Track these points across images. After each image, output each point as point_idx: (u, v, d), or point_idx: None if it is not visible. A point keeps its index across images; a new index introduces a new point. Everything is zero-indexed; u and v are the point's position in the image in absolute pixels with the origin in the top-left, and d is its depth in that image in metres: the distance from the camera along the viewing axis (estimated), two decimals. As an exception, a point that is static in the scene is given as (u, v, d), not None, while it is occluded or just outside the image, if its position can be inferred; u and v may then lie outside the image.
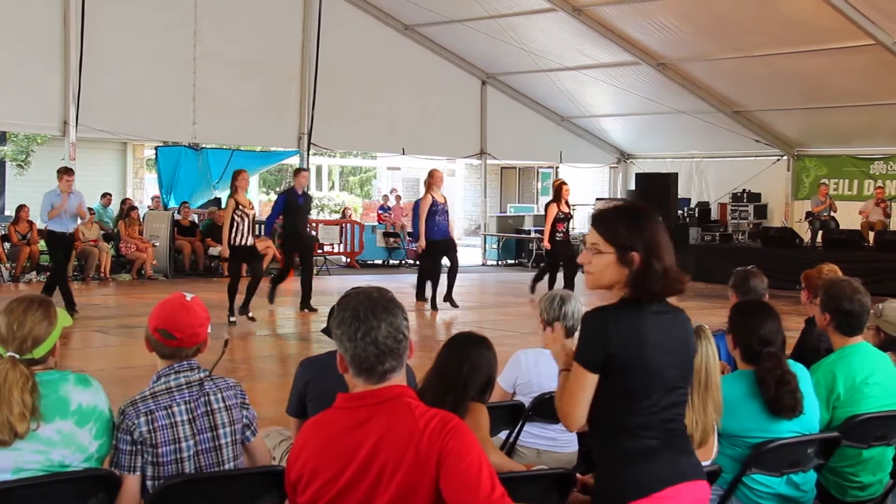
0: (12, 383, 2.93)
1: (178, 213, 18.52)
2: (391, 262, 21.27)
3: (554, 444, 4.62)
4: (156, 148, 20.95)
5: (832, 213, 18.97)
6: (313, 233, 13.68)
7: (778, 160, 21.07)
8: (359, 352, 2.46)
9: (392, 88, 19.77)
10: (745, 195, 20.77)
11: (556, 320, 4.51)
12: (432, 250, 13.19)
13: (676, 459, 2.87)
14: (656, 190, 19.56)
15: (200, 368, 3.30)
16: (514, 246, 22.82)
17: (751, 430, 3.76)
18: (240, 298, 11.53)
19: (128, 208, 17.88)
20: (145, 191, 26.49)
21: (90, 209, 15.06)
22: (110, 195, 20.22)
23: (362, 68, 19.25)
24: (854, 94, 17.49)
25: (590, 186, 24.47)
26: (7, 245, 16.22)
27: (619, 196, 22.82)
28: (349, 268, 20.19)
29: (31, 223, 16.38)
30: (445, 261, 13.37)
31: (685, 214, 20.58)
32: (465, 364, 3.72)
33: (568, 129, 22.82)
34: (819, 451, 3.89)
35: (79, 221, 13.05)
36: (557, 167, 25.47)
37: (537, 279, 14.53)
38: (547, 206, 14.40)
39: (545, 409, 4.32)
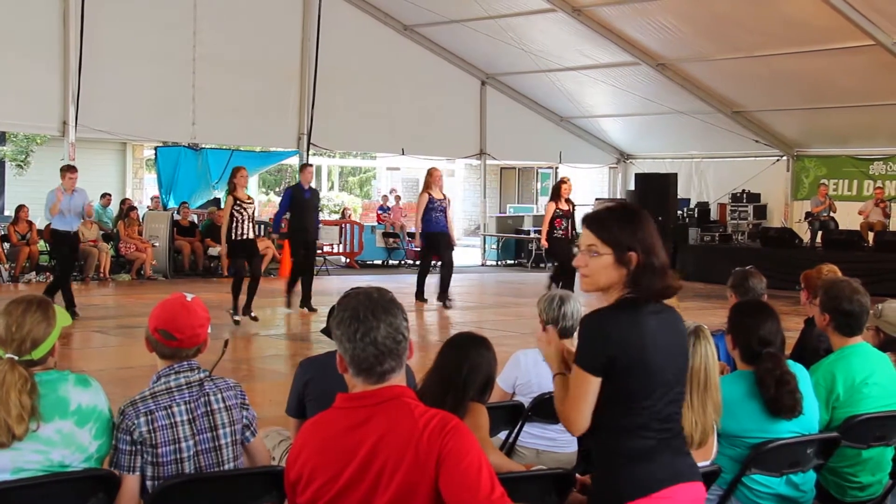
0: (10, 385, 2.93)
1: (178, 213, 18.51)
2: (391, 262, 21.27)
3: (553, 444, 4.62)
4: (155, 148, 20.95)
5: (832, 214, 18.98)
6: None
7: (777, 160, 21.08)
8: (358, 352, 2.46)
9: (391, 89, 19.78)
10: (744, 195, 20.77)
11: (555, 321, 4.51)
12: (431, 243, 13.24)
13: (674, 460, 2.87)
14: (656, 190, 19.57)
15: (200, 369, 3.30)
16: (513, 246, 22.81)
17: (750, 431, 3.76)
18: (243, 298, 11.50)
19: (127, 208, 17.87)
20: (145, 191, 26.48)
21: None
22: (110, 195, 20.20)
23: (362, 68, 19.25)
24: (854, 94, 17.50)
25: (589, 187, 24.45)
26: (6, 245, 16.21)
27: (618, 196, 22.82)
28: (349, 268, 20.18)
29: (30, 223, 16.38)
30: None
31: (685, 215, 20.59)
32: (465, 364, 3.72)
33: (567, 130, 22.83)
34: (818, 451, 3.89)
35: (90, 219, 12.83)
36: (557, 167, 25.48)
37: (553, 279, 14.36)
38: (547, 204, 14.42)
39: (545, 409, 4.32)
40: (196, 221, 18.75)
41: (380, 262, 21.23)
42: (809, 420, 3.88)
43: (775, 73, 17.56)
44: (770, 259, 16.47)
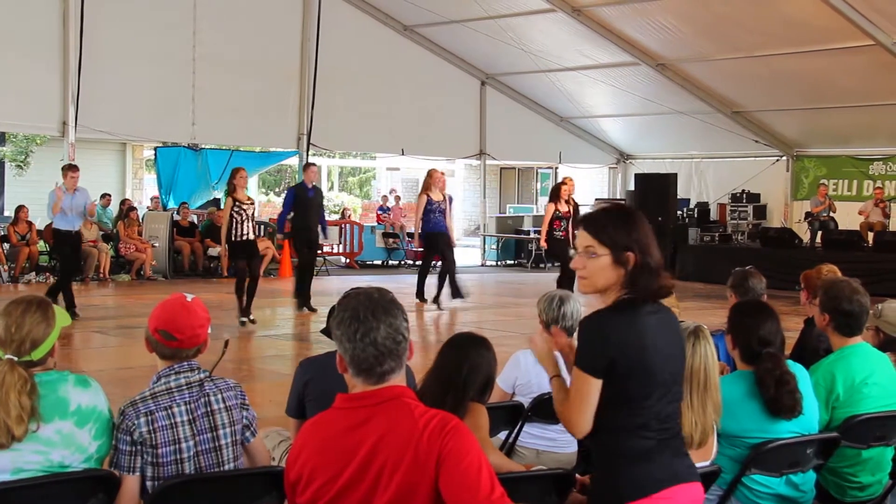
0: (10, 386, 2.93)
1: (178, 213, 18.51)
2: (390, 262, 21.27)
3: (553, 444, 4.62)
4: (155, 148, 20.95)
5: (831, 214, 18.99)
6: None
7: (777, 160, 21.08)
8: (358, 352, 2.46)
9: (391, 89, 19.78)
10: (744, 196, 20.77)
11: (555, 321, 4.51)
12: (431, 243, 13.24)
13: (673, 461, 2.88)
14: (656, 190, 19.57)
15: (200, 369, 3.30)
16: (513, 246, 22.81)
17: (750, 431, 3.76)
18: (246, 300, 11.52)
19: (127, 209, 17.87)
20: (144, 191, 26.49)
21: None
22: (109, 196, 20.21)
23: (361, 69, 19.26)
24: (853, 94, 17.50)
25: (589, 187, 24.45)
26: (6, 246, 16.21)
27: (618, 197, 22.82)
28: (348, 268, 20.19)
29: (30, 224, 16.38)
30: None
31: (684, 215, 20.59)
32: (465, 364, 3.71)
33: (567, 130, 22.83)
34: (818, 451, 3.89)
35: (91, 219, 12.73)
36: (557, 168, 25.47)
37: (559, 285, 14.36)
38: (546, 205, 14.42)
39: (544, 409, 4.32)
40: (196, 222, 18.75)
41: (379, 262, 21.23)
42: (809, 420, 3.88)
43: (775, 74, 17.56)
44: (770, 259, 16.48)
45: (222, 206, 13.50)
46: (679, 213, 20.33)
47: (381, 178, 34.50)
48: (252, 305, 11.56)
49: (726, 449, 3.75)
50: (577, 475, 3.47)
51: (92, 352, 10.13)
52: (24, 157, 24.26)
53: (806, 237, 18.91)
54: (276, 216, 23.74)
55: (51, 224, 15.51)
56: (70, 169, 11.85)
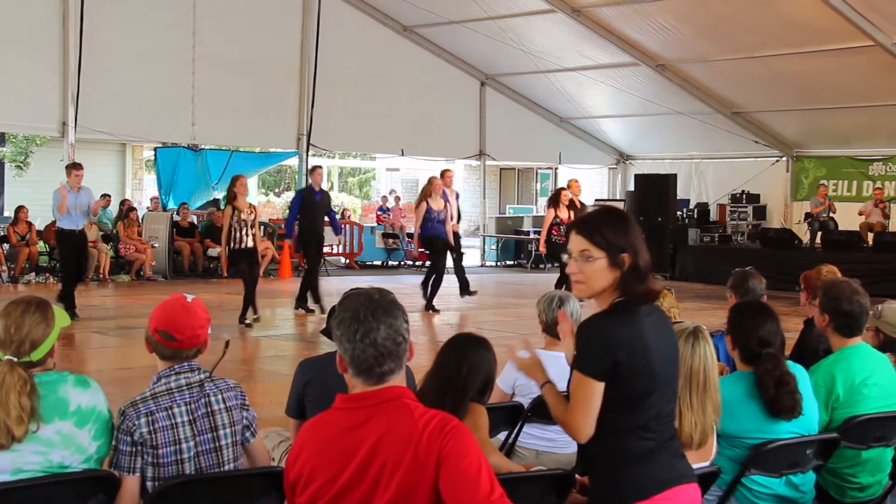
0: (10, 387, 2.93)
1: (177, 214, 18.51)
2: (390, 262, 21.27)
3: (553, 444, 4.63)
4: (155, 149, 20.95)
5: (831, 215, 18.98)
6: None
7: (777, 161, 21.08)
8: (357, 353, 2.46)
9: (391, 89, 19.79)
10: (744, 196, 20.77)
11: (555, 321, 4.51)
12: (433, 247, 13.15)
13: (672, 462, 2.90)
14: (655, 191, 19.58)
15: (201, 369, 3.30)
16: (512, 247, 22.82)
17: (750, 431, 3.76)
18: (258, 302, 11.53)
19: (127, 209, 17.87)
20: (144, 192, 26.49)
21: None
22: (109, 196, 20.18)
23: (361, 69, 19.26)
24: (853, 95, 17.51)
25: (589, 188, 24.45)
26: (6, 246, 16.21)
27: (618, 197, 22.82)
28: (348, 269, 20.18)
29: (29, 224, 16.38)
30: (450, 262, 13.35)
31: (684, 215, 20.60)
32: (465, 365, 3.72)
33: (567, 131, 22.84)
34: (818, 452, 3.89)
35: (93, 218, 12.64)
36: (556, 168, 25.46)
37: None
38: (546, 209, 14.40)
39: (544, 410, 4.30)
40: (195, 222, 18.75)
41: (379, 262, 21.23)
42: (809, 421, 3.88)
43: (775, 74, 17.57)
44: (769, 260, 16.48)
45: (222, 207, 13.49)
46: (679, 213, 20.33)
47: (380, 178, 34.52)
48: (249, 311, 11.52)
49: (726, 449, 3.75)
50: (576, 475, 3.47)
51: (91, 352, 10.12)
52: (23, 157, 24.28)
53: (806, 238, 18.91)
54: (275, 217, 23.90)
55: (51, 224, 15.53)
56: (74, 167, 11.80)
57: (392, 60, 19.78)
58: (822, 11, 14.68)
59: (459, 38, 19.59)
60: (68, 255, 11.93)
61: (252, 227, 11.46)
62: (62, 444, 3.00)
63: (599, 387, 2.80)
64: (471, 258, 22.17)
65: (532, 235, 21.53)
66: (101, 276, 16.42)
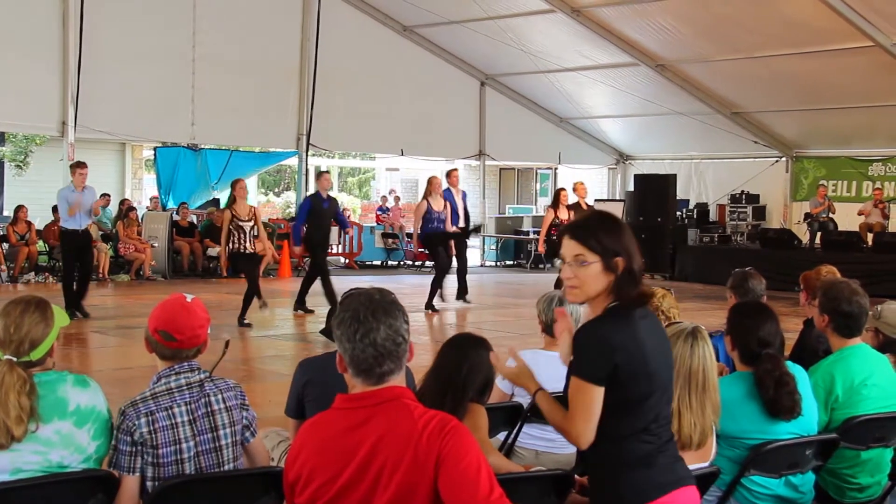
0: (9, 387, 2.92)
1: (177, 213, 18.51)
2: (390, 262, 21.27)
3: (552, 445, 4.62)
4: (154, 149, 20.96)
5: (831, 215, 18.99)
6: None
7: (777, 161, 21.09)
8: (357, 353, 2.47)
9: (391, 89, 19.79)
10: (743, 196, 20.78)
11: (555, 321, 4.50)
12: (434, 243, 13.15)
13: (671, 464, 2.90)
14: (655, 191, 19.59)
15: (200, 369, 3.30)
16: (512, 247, 22.82)
17: (749, 432, 3.76)
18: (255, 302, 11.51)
19: (126, 209, 17.87)
20: (144, 191, 26.48)
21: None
22: (109, 196, 20.17)
23: (361, 69, 19.27)
24: (853, 95, 17.52)
25: (589, 188, 24.39)
26: (6, 246, 16.21)
27: (617, 197, 22.82)
28: (348, 269, 20.18)
29: (29, 224, 16.38)
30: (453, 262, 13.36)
31: (684, 216, 20.60)
32: (464, 365, 3.71)
33: (567, 131, 22.85)
34: (817, 452, 3.89)
35: (94, 218, 12.61)
36: (556, 168, 25.46)
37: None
38: (546, 209, 14.40)
39: (544, 410, 4.31)
40: (195, 222, 18.74)
41: (379, 262, 21.23)
42: (808, 421, 3.88)
43: (774, 74, 17.57)
44: (769, 260, 16.49)
45: (222, 206, 13.47)
46: (678, 213, 20.34)
47: (380, 178, 34.51)
48: (255, 295, 11.54)
49: (725, 450, 3.75)
50: (576, 476, 3.47)
51: (91, 352, 10.12)
52: (23, 157, 24.27)
53: (805, 238, 18.92)
54: (275, 217, 23.89)
55: (51, 224, 15.55)
56: (78, 166, 11.77)
57: (392, 60, 19.78)
58: (822, 12, 14.69)
59: (459, 38, 19.59)
60: (68, 257, 11.93)
61: (254, 231, 11.42)
62: (61, 443, 3.00)
63: (599, 392, 2.80)
64: (470, 258, 22.18)
65: (532, 235, 21.53)
66: (101, 275, 16.42)
